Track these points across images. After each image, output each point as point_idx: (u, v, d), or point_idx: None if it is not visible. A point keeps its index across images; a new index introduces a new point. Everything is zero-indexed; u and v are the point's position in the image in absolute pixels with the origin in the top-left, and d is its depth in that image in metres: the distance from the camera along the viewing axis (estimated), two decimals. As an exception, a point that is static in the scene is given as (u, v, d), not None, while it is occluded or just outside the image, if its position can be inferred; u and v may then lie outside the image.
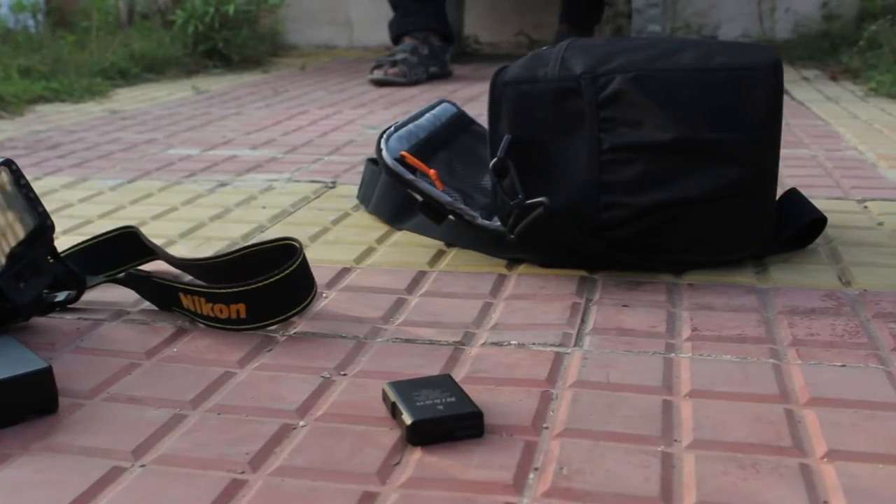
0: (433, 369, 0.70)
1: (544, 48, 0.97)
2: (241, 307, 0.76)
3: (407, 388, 0.62)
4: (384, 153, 0.93)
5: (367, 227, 1.08)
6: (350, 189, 1.27)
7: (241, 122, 1.85)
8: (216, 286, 0.77)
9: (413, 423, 0.58)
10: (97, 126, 1.85)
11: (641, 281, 0.89)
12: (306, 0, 3.32)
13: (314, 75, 2.66)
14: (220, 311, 0.77)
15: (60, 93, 2.22)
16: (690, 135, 0.85)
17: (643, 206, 0.87)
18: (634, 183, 0.87)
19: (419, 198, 0.94)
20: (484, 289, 0.87)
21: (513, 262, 0.94)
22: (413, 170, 0.93)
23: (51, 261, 0.80)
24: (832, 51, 2.74)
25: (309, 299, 0.79)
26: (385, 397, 0.63)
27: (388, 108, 1.99)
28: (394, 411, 0.61)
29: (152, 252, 0.92)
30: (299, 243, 0.79)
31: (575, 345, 0.74)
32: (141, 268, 0.86)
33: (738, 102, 0.86)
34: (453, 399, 0.60)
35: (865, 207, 1.15)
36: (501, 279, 0.90)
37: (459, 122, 1.11)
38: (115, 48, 2.59)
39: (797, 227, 0.95)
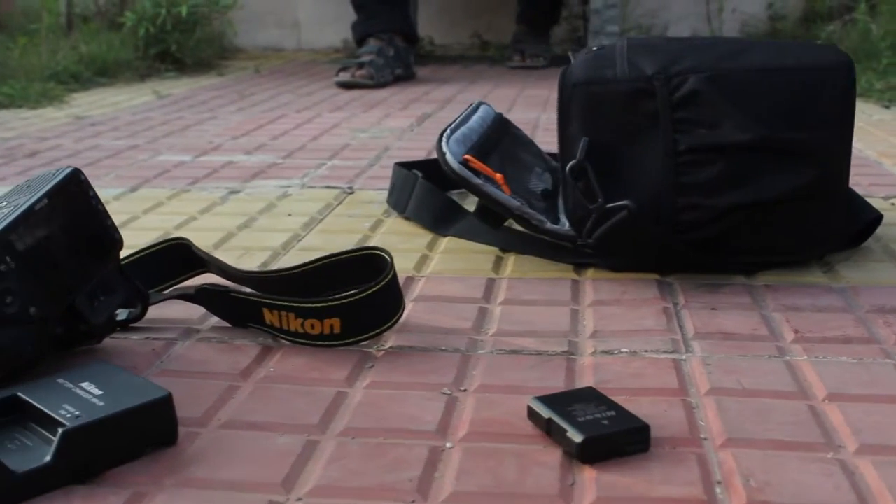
0: (555, 381, 0.67)
1: (595, 47, 0.95)
2: (336, 322, 0.72)
3: (558, 403, 0.59)
4: (448, 157, 0.90)
5: (409, 233, 1.05)
6: (370, 195, 1.23)
7: (220, 127, 1.79)
8: (308, 300, 0.73)
9: (584, 441, 0.55)
10: (68, 132, 1.77)
11: (718, 283, 0.87)
12: (253, 2, 3.24)
13: (273, 78, 2.60)
14: (312, 326, 0.72)
15: (16, 98, 2.11)
16: (769, 134, 0.84)
17: (722, 208, 0.86)
18: (713, 184, 0.85)
19: (483, 202, 0.91)
20: (563, 295, 0.85)
21: (579, 267, 0.92)
22: (477, 173, 0.90)
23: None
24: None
25: (400, 312, 0.75)
26: (533, 414, 0.60)
27: (368, 111, 1.95)
28: (550, 428, 0.58)
29: (203, 265, 0.87)
30: (388, 254, 0.76)
31: (686, 351, 0.72)
32: (215, 283, 0.81)
33: (813, 102, 0.85)
34: (613, 413, 0.58)
35: (893, 204, 1.16)
36: (576, 285, 0.87)
37: (502, 126, 1.08)
38: (64, 52, 2.48)
39: (860, 225, 0.94)
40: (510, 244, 0.97)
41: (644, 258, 0.89)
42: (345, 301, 0.72)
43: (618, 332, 0.76)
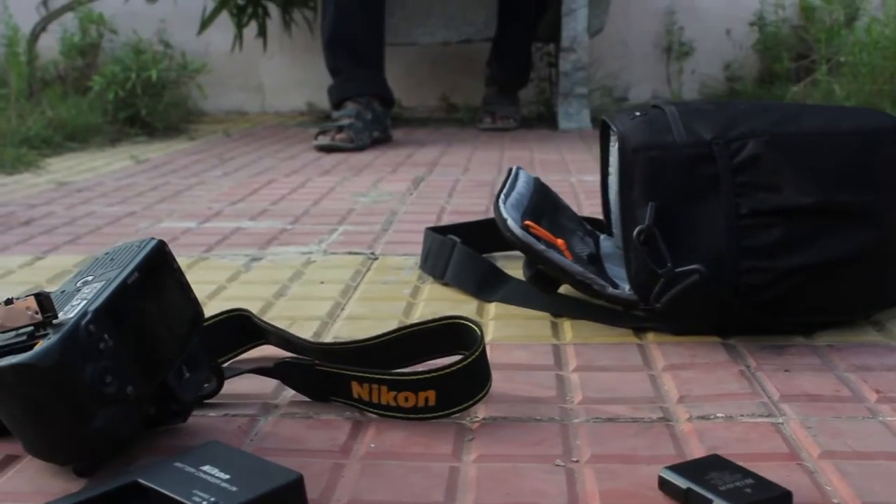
0: (665, 449, 0.66)
1: (637, 112, 0.96)
2: (431, 394, 0.71)
3: (691, 472, 0.58)
4: (510, 223, 0.90)
5: (453, 299, 1.04)
6: (396, 260, 1.22)
7: (213, 193, 1.76)
8: (402, 373, 0.71)
9: (737, 512, 0.54)
10: (56, 199, 1.73)
11: (780, 344, 0.88)
12: (217, 66, 3.23)
13: (246, 142, 2.58)
14: (406, 399, 0.71)
15: (-10, 165, 2.07)
16: (830, 198, 0.86)
17: (784, 270, 0.87)
18: (775, 247, 0.86)
19: (540, 268, 0.91)
20: (633, 360, 0.85)
21: (638, 331, 0.92)
22: (539, 239, 0.90)
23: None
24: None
25: (490, 383, 0.74)
26: (666, 484, 0.59)
27: (358, 175, 1.94)
28: (689, 499, 0.57)
29: (263, 336, 0.85)
30: (476, 323, 0.75)
31: (780, 414, 0.72)
32: (293, 356, 0.79)
33: (870, 164, 0.87)
34: (752, 481, 0.57)
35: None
36: (643, 349, 0.87)
37: (543, 190, 1.09)
38: (34, 117, 2.44)
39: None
40: (562, 309, 0.97)
41: (706, 321, 0.89)
42: (441, 373, 0.70)
43: (704, 396, 0.76)
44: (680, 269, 0.84)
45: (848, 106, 0.99)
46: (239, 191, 1.77)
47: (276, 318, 0.99)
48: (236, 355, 0.85)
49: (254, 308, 1.01)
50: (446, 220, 1.45)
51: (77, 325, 0.60)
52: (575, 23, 2.72)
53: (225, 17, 3.07)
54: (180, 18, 3.20)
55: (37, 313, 0.61)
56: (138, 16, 3.18)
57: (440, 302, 1.03)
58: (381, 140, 2.47)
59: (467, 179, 1.86)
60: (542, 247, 0.89)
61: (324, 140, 2.33)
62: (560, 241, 0.90)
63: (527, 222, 0.91)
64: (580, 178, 1.83)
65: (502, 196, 0.96)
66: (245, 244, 1.33)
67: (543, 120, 2.98)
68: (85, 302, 0.63)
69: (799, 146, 0.87)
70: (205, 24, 3.05)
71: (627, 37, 3.26)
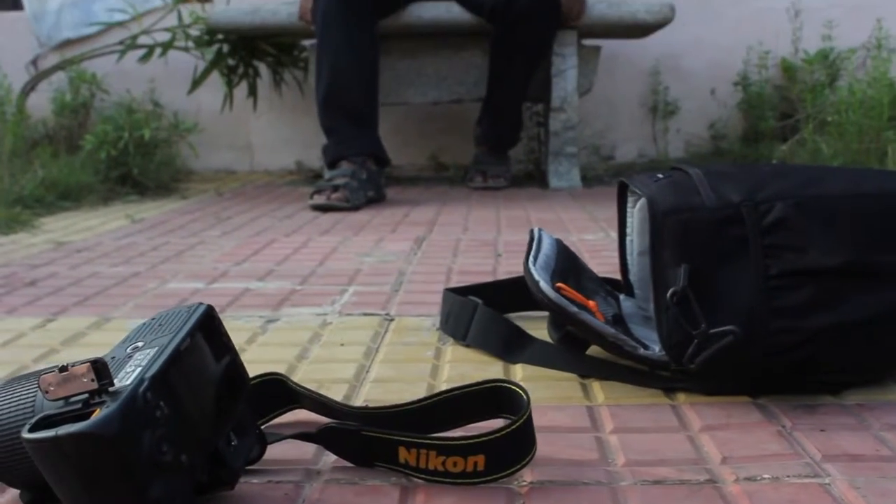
0: (719, 513, 0.66)
1: (660, 175, 0.98)
2: (481, 459, 0.70)
3: (757, 537, 0.58)
4: (542, 285, 0.90)
5: (478, 361, 1.04)
6: (413, 321, 1.22)
7: (216, 253, 1.76)
8: (449, 438, 0.71)
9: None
10: (57, 259, 1.72)
11: (811, 404, 0.88)
12: (206, 124, 3.24)
13: (239, 201, 2.58)
14: (455, 464, 0.71)
15: (-14, 225, 2.05)
16: (858, 258, 0.87)
17: (813, 330, 0.87)
18: (805, 307, 0.87)
19: (570, 329, 0.92)
20: (669, 421, 0.85)
21: (668, 392, 0.92)
22: (572, 301, 0.91)
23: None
24: (734, 169, 2.90)
25: (535, 447, 0.74)
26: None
27: (358, 235, 1.95)
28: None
29: (297, 399, 0.84)
30: (522, 387, 0.75)
31: (826, 475, 0.72)
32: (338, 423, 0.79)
33: (895, 226, 0.89)
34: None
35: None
36: (677, 410, 0.88)
37: (565, 251, 1.10)
38: (29, 176, 2.43)
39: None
40: (590, 370, 0.97)
41: (738, 381, 0.90)
42: (491, 437, 0.70)
43: (747, 457, 0.76)
44: (714, 331, 0.85)
45: (867, 168, 1.02)
46: (242, 251, 1.77)
47: (302, 381, 0.98)
48: (270, 420, 0.84)
49: (278, 371, 1.01)
50: (455, 280, 1.45)
51: (135, 393, 0.60)
52: (565, 83, 2.76)
53: (215, 77, 3.09)
54: (171, 78, 3.22)
55: (93, 380, 0.61)
56: (129, 75, 3.20)
57: (465, 363, 1.03)
58: (375, 199, 2.48)
59: (468, 239, 1.87)
60: (574, 309, 0.90)
61: (319, 199, 2.33)
62: (592, 303, 0.91)
63: (558, 284, 0.91)
64: (581, 238, 1.84)
65: (531, 258, 0.96)
66: (257, 305, 1.33)
67: (533, 178, 3.01)
68: (140, 369, 0.62)
69: (825, 208, 0.88)
70: (196, 83, 3.07)
71: (614, 96, 3.31)
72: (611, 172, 3.14)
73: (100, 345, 1.14)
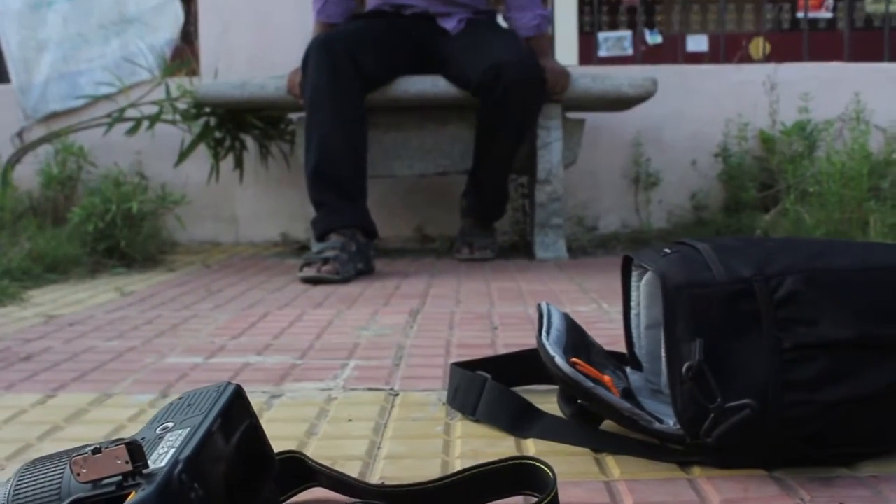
0: (752, 590, 0.66)
1: (667, 250, 0.99)
2: (509, 536, 0.70)
3: None
4: (558, 360, 0.91)
5: (488, 436, 1.04)
6: (418, 396, 1.22)
7: (210, 326, 1.75)
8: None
9: None
10: (50, 333, 1.70)
11: (826, 476, 0.89)
12: (191, 196, 3.24)
13: (227, 274, 2.58)
14: (484, 542, 0.70)
15: (-26, 299, 2.04)
16: (869, 331, 0.89)
17: (828, 403, 0.88)
18: (818, 380, 0.88)
19: (585, 404, 0.92)
20: (688, 496, 0.85)
21: (683, 465, 0.93)
22: (587, 376, 0.91)
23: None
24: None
25: (561, 523, 0.74)
26: None
27: (352, 308, 1.95)
28: None
29: (315, 477, 0.84)
30: (547, 464, 0.75)
31: (852, 551, 0.73)
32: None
33: (904, 299, 0.90)
34: None
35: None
36: (694, 484, 0.88)
37: (574, 326, 1.10)
38: (17, 248, 2.42)
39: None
40: (603, 445, 0.97)
41: (753, 454, 0.90)
42: (519, 515, 0.70)
43: (771, 533, 0.76)
44: (731, 405, 0.85)
45: (871, 242, 1.04)
46: (237, 324, 1.77)
47: (314, 458, 0.97)
48: (289, 498, 0.84)
49: (289, 448, 1.00)
50: (455, 354, 1.45)
51: (170, 475, 0.59)
52: (550, 155, 2.80)
53: (201, 149, 3.10)
54: (157, 150, 3.24)
55: (127, 462, 0.60)
56: (114, 147, 3.21)
57: (476, 439, 1.03)
58: (364, 272, 2.48)
59: (462, 311, 1.87)
60: (590, 384, 0.91)
61: (309, 272, 2.34)
62: (606, 378, 0.91)
63: (573, 360, 0.92)
64: (574, 310, 1.85)
65: (544, 333, 0.97)
66: (259, 380, 1.32)
67: (519, 249, 3.03)
68: (174, 450, 0.62)
69: (835, 282, 0.90)
70: (183, 156, 3.09)
71: (596, 168, 3.36)
72: (595, 243, 3.17)
73: (104, 421, 1.13)
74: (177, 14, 3.42)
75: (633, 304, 1.12)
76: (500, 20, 2.92)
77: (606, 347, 1.19)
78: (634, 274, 1.11)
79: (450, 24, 2.79)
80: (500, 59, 2.56)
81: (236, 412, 0.68)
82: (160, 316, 1.88)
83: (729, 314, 0.90)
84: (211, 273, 2.59)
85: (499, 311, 1.86)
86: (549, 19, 2.86)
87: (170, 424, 0.66)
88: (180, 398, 0.71)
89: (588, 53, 6.80)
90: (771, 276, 0.91)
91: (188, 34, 3.82)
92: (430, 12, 2.80)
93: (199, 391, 0.70)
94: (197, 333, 1.68)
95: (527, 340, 1.55)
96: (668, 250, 1.00)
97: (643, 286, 1.07)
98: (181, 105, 3.08)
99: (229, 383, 0.70)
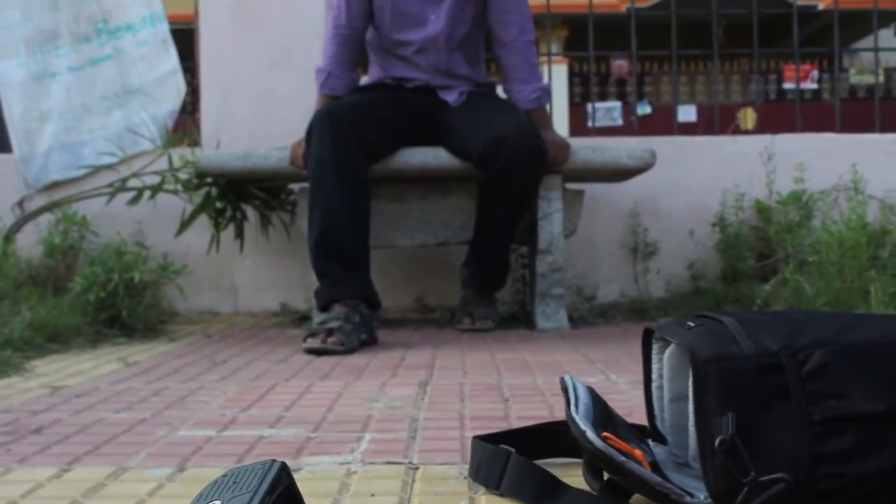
0: None
1: (692, 323, 1.00)
2: None
3: None
4: (590, 435, 0.91)
5: (515, 510, 1.03)
6: (439, 470, 1.22)
7: (219, 398, 1.74)
8: None
9: None
10: (57, 405, 1.69)
11: (859, 552, 0.89)
12: (191, 265, 3.24)
13: (229, 343, 2.57)
14: None
15: (-23, 369, 2.02)
16: (898, 405, 0.89)
17: (858, 476, 0.89)
18: (849, 453, 0.89)
19: (614, 478, 0.92)
20: (724, 573, 0.84)
21: (715, 540, 0.92)
22: (618, 451, 0.91)
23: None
24: (717, 308, 2.95)
25: None
26: None
27: (359, 379, 1.94)
28: None
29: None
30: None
31: None
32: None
33: (931, 372, 0.91)
34: None
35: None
36: (728, 560, 0.87)
37: (599, 398, 1.10)
38: (18, 318, 2.41)
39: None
40: (631, 519, 0.97)
41: (786, 529, 0.90)
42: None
43: None
44: (764, 478, 0.86)
45: (891, 315, 1.05)
46: (246, 396, 1.76)
47: (340, 533, 0.97)
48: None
49: (314, 523, 0.99)
50: (470, 427, 1.45)
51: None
52: (551, 226, 2.82)
53: (201, 218, 3.11)
54: (158, 219, 3.25)
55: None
56: (115, 216, 3.22)
57: (503, 513, 1.03)
58: (367, 342, 2.48)
59: (471, 383, 1.87)
60: (622, 458, 0.91)
61: (314, 343, 2.33)
62: (638, 452, 0.91)
63: (605, 434, 0.92)
64: (585, 381, 1.84)
65: (573, 407, 0.97)
66: (275, 454, 1.31)
67: (519, 319, 3.03)
68: (225, 529, 0.62)
69: (863, 355, 0.91)
70: (184, 226, 3.10)
71: (595, 238, 3.38)
72: (595, 312, 3.18)
73: (123, 496, 1.12)
74: (179, 86, 3.46)
75: (654, 376, 1.12)
76: (500, 92, 2.96)
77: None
78: (655, 346, 1.12)
79: (451, 97, 2.83)
80: (501, 132, 2.59)
81: (284, 490, 0.68)
82: (167, 387, 1.87)
83: (758, 387, 0.91)
84: (213, 343, 2.58)
85: (508, 383, 1.86)
86: (548, 92, 2.90)
87: (217, 503, 0.66)
88: (225, 476, 0.70)
89: (579, 124, 6.90)
90: (799, 350, 0.92)
91: (190, 105, 3.86)
92: (432, 85, 2.84)
93: (245, 468, 0.70)
94: (206, 405, 1.68)
95: (540, 413, 1.55)
96: (692, 323, 1.01)
97: (666, 359, 1.08)
98: (183, 175, 3.10)
99: (274, 461, 0.70)
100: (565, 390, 1.06)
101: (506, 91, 2.89)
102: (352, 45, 2.83)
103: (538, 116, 2.81)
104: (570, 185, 2.96)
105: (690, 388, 0.93)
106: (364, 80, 2.99)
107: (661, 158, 2.99)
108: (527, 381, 1.87)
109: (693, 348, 0.93)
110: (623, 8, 10.46)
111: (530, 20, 2.85)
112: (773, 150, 3.31)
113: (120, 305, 2.66)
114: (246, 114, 3.38)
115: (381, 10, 2.79)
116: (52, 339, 2.47)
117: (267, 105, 3.38)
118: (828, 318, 0.98)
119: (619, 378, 1.89)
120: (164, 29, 3.45)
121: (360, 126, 2.61)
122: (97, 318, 2.65)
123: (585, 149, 2.82)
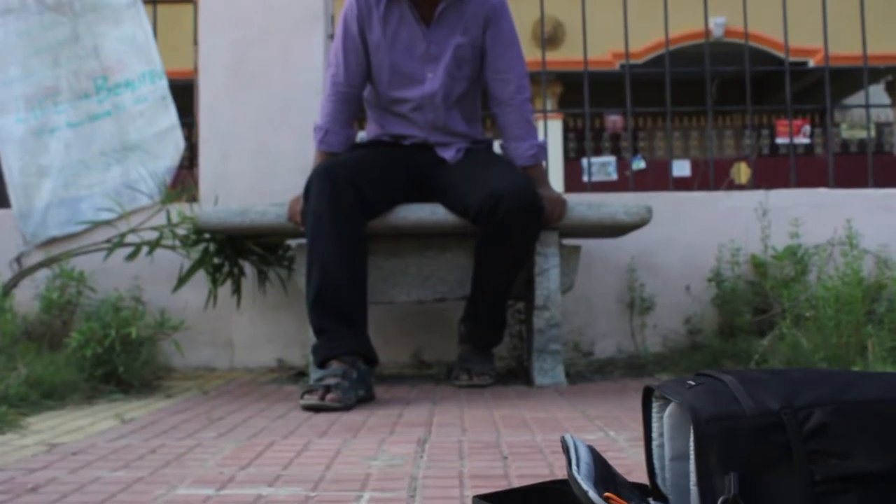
0: None
1: (691, 382, 1.00)
2: None
3: None
4: (591, 495, 0.91)
5: (517, 571, 1.03)
6: (438, 528, 1.21)
7: (216, 456, 1.73)
8: None
9: None
10: (53, 463, 1.68)
11: None
12: (187, 321, 3.24)
13: (227, 400, 2.56)
14: None
15: (-28, 427, 2.01)
16: (901, 465, 0.89)
17: (862, 536, 0.88)
18: (852, 513, 0.89)
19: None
20: None
21: None
22: (620, 510, 0.91)
23: None
24: (714, 363, 2.95)
25: None
26: None
27: (357, 437, 1.94)
28: None
29: None
30: None
31: None
32: None
33: (932, 431, 0.91)
34: None
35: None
36: None
37: (599, 457, 1.10)
38: (14, 374, 2.40)
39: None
40: (635, 579, 0.96)
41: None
42: None
43: None
44: (768, 539, 0.85)
45: (890, 373, 1.05)
46: (243, 454, 1.75)
47: None
48: None
49: (314, 585, 0.98)
50: (470, 486, 1.44)
51: None
52: (548, 282, 2.83)
53: (198, 274, 3.12)
54: (155, 274, 3.26)
55: None
56: (112, 271, 3.23)
57: (504, 574, 1.02)
58: (365, 399, 2.47)
59: (470, 441, 1.86)
60: (625, 518, 0.90)
61: (311, 399, 2.32)
62: (640, 512, 0.91)
63: (607, 494, 0.92)
64: (584, 438, 1.84)
65: (574, 467, 0.97)
66: (274, 513, 1.30)
67: (516, 375, 3.03)
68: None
69: (865, 413, 0.91)
70: (181, 281, 3.10)
71: (591, 293, 3.39)
72: (592, 368, 3.18)
73: (121, 558, 1.11)
74: (177, 142, 3.49)
75: (654, 434, 1.12)
76: (497, 149, 2.99)
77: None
78: (655, 405, 1.12)
79: (448, 154, 2.86)
80: (498, 188, 2.61)
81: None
82: (164, 445, 1.86)
83: (759, 447, 0.91)
84: (210, 400, 2.57)
85: (506, 440, 1.85)
86: (545, 148, 2.93)
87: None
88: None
89: (574, 178, 6.95)
90: (799, 409, 0.92)
91: (188, 160, 3.88)
92: (429, 142, 2.87)
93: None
94: (204, 463, 1.67)
95: (539, 471, 1.54)
96: (692, 382, 1.01)
97: (666, 418, 1.08)
98: (181, 231, 3.11)
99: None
100: (566, 449, 1.06)
101: (503, 148, 2.91)
102: (349, 103, 2.86)
103: (535, 173, 2.83)
104: (567, 241, 2.98)
105: (692, 448, 0.93)
106: (361, 136, 3.02)
107: (656, 213, 3.02)
108: (525, 439, 1.87)
109: (694, 408, 0.94)
110: (616, 65, 10.61)
111: (527, 78, 2.89)
112: (768, 206, 3.33)
113: (116, 361, 2.66)
114: (244, 169, 3.40)
115: (379, 69, 2.83)
116: (48, 396, 2.45)
117: (265, 161, 3.40)
118: (827, 377, 0.98)
119: (618, 435, 1.89)
120: (163, 86, 3.49)
121: (358, 183, 2.62)
122: (94, 374, 2.64)
123: (582, 205, 2.84)
